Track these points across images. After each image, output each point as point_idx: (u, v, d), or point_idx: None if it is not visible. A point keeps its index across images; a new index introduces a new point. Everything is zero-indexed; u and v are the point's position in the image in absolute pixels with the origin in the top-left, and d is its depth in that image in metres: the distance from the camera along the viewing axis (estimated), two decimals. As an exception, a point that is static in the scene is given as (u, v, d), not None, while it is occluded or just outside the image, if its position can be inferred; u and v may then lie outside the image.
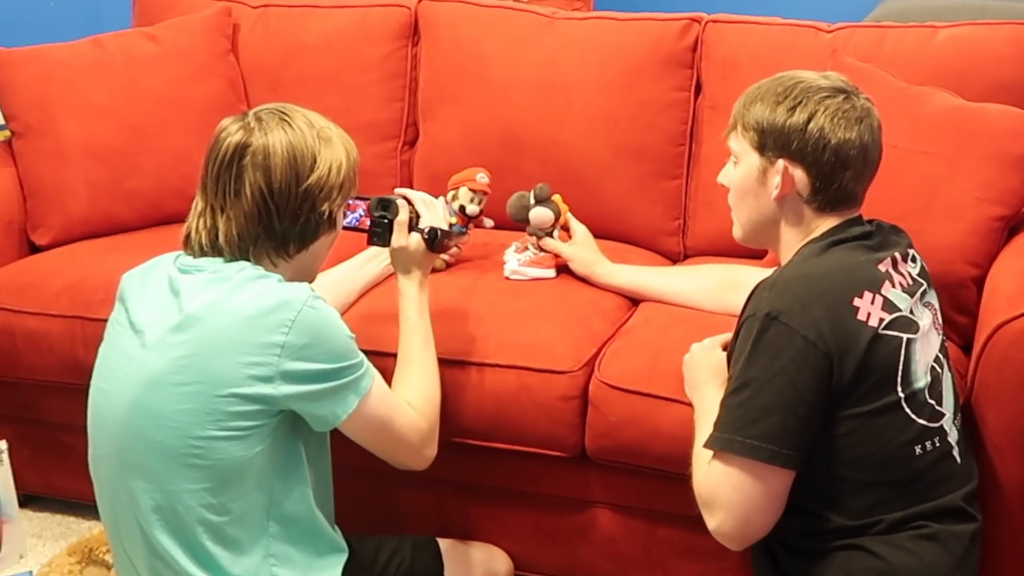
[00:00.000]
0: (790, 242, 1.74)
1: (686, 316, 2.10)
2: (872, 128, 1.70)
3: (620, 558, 2.11)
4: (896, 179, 2.06)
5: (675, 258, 2.51)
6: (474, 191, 2.27)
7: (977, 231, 2.04)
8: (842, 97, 1.68)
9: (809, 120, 1.66)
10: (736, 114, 1.75)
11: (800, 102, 1.68)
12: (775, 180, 1.70)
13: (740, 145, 1.74)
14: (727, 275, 2.16)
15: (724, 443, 1.60)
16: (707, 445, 1.63)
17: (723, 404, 1.64)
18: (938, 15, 2.43)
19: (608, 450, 2.01)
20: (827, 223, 1.71)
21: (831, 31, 2.41)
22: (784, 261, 1.75)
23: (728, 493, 1.61)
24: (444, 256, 2.26)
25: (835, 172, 1.67)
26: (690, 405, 1.84)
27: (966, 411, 1.81)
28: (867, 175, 1.72)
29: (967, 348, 1.99)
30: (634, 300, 2.25)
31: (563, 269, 2.28)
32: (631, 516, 2.08)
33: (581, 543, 2.13)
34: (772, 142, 1.69)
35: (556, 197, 2.26)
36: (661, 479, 1.98)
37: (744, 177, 1.74)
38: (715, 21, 2.49)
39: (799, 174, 1.69)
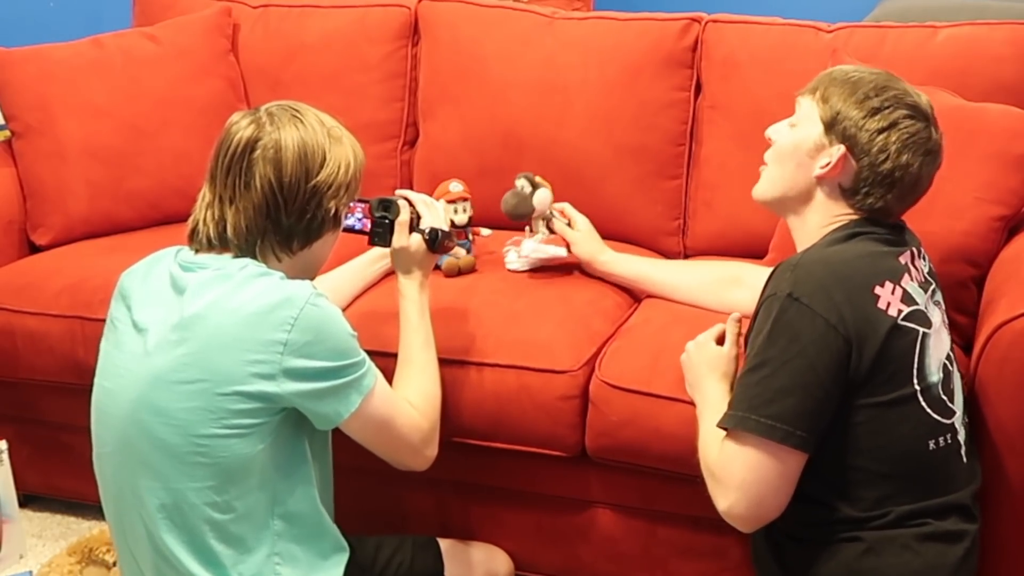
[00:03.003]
0: (811, 224, 1.74)
1: (687, 315, 2.10)
2: (934, 164, 1.72)
3: (620, 558, 2.11)
4: (896, 179, 2.06)
5: (675, 258, 2.50)
6: (451, 201, 2.27)
7: (977, 231, 2.04)
8: (924, 124, 1.69)
9: (887, 129, 1.67)
10: (820, 81, 1.74)
11: (887, 108, 1.68)
12: (825, 160, 1.70)
13: (811, 111, 1.73)
14: (729, 271, 2.16)
15: (738, 421, 1.60)
16: (721, 424, 1.63)
17: (739, 382, 1.64)
18: (938, 15, 2.43)
19: (608, 450, 2.01)
20: (853, 217, 1.72)
21: (831, 31, 2.41)
22: (799, 242, 1.75)
23: (742, 472, 1.60)
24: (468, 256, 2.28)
25: (883, 185, 1.68)
26: (691, 403, 1.84)
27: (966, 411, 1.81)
28: (908, 202, 1.73)
29: (967, 348, 1.99)
30: (634, 297, 2.25)
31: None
32: (631, 516, 2.08)
33: (581, 543, 2.13)
34: (842, 129, 1.69)
35: (538, 178, 2.26)
36: (661, 479, 1.98)
37: (799, 142, 1.74)
38: (715, 21, 2.49)
39: (852, 166, 1.69)
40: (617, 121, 2.47)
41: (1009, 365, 1.75)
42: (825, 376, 1.57)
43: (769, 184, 1.79)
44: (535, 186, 2.22)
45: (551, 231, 2.26)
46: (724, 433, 1.63)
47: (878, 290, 1.62)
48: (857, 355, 1.58)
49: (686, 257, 2.50)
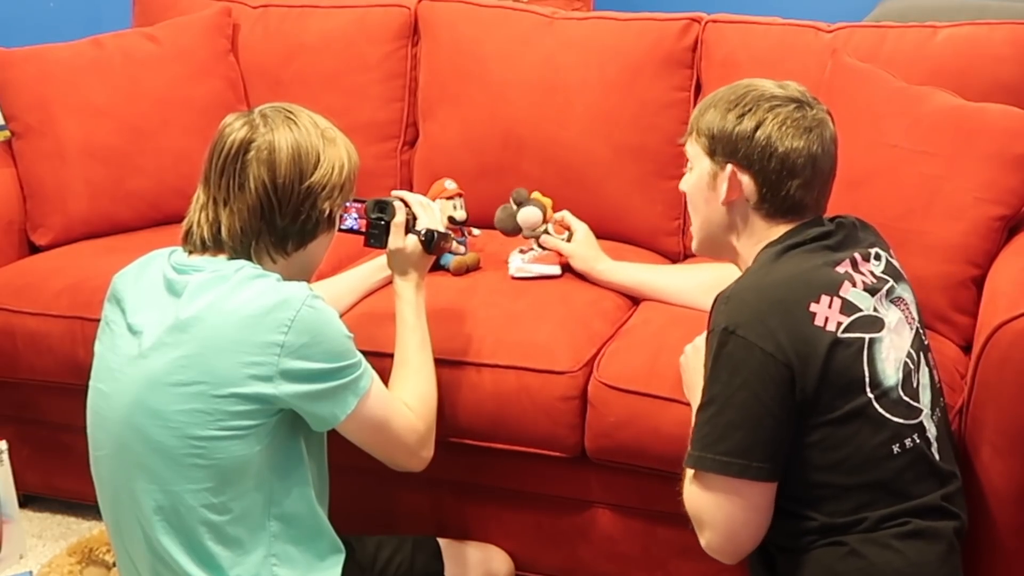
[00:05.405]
0: (745, 250, 1.73)
1: (685, 316, 2.10)
2: (823, 138, 1.69)
3: (620, 558, 2.11)
4: (896, 179, 2.06)
5: (675, 258, 2.51)
6: (449, 198, 2.28)
7: (977, 231, 2.04)
8: (794, 106, 1.68)
9: (757, 128, 1.67)
10: (692, 120, 1.76)
11: (750, 110, 1.68)
12: (723, 185, 1.70)
13: (694, 150, 1.75)
14: (727, 273, 2.15)
15: (696, 461, 1.61)
16: (685, 464, 1.64)
17: (694, 420, 1.64)
18: (938, 15, 2.43)
19: (608, 450, 2.01)
20: (781, 228, 1.70)
21: (831, 31, 2.41)
22: (743, 269, 1.75)
23: (710, 511, 1.61)
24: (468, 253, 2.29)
25: (782, 180, 1.67)
26: (689, 405, 1.84)
27: (966, 411, 1.81)
28: (817, 185, 1.70)
29: (967, 348, 1.99)
30: (634, 299, 2.25)
31: (566, 268, 2.28)
32: (631, 516, 2.08)
33: (581, 543, 2.13)
34: (721, 148, 1.70)
35: (535, 194, 2.26)
36: (661, 479, 1.97)
37: (697, 182, 1.75)
38: (715, 21, 2.49)
39: (747, 180, 1.69)
40: (617, 121, 2.47)
41: (1009, 365, 1.74)
42: (772, 404, 1.56)
43: (694, 232, 1.81)
44: (521, 204, 2.23)
45: (542, 248, 2.26)
46: (692, 471, 1.63)
47: (813, 307, 1.59)
48: (801, 378, 1.56)
49: (685, 257, 2.50)
